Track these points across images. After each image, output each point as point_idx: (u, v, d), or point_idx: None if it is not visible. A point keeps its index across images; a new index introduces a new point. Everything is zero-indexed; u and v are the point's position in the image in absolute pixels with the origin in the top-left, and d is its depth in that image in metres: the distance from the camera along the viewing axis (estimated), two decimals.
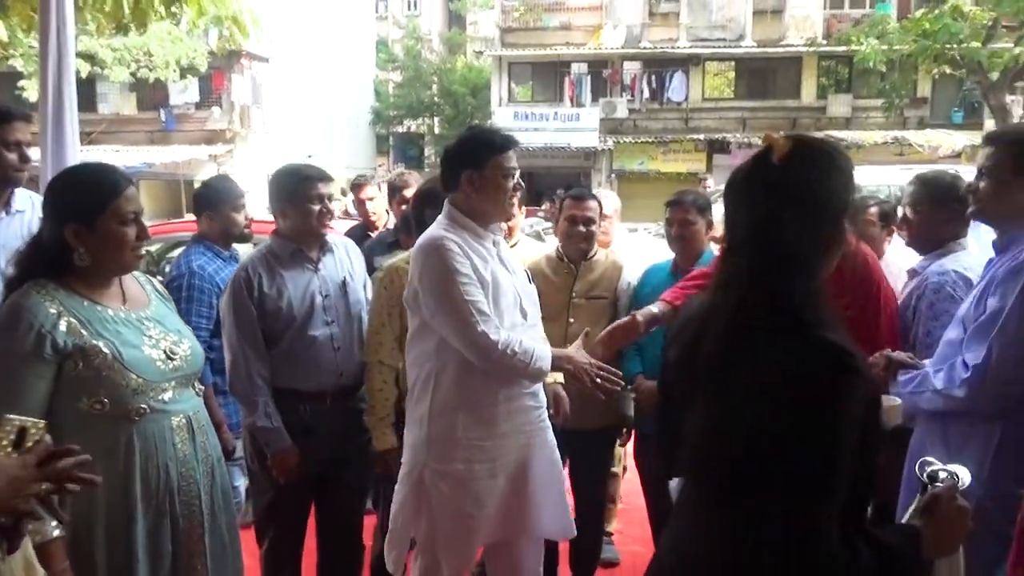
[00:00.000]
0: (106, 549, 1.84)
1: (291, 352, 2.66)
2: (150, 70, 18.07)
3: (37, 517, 1.41)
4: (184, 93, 20.22)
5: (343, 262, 2.84)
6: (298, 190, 2.67)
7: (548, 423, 2.41)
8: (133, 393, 1.84)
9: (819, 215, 1.29)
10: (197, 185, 3.54)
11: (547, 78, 22.62)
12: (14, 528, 1.39)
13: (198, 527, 1.99)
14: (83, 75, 15.86)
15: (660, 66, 21.62)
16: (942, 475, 1.42)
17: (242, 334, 2.63)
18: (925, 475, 1.42)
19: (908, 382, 2.06)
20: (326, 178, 2.75)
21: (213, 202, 3.25)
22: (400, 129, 30.35)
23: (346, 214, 11.42)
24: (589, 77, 21.79)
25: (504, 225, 2.46)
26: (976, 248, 2.52)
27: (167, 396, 1.92)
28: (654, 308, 2.51)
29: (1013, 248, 1.95)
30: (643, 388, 2.91)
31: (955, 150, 17.94)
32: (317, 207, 2.68)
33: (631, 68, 21.68)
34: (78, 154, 3.08)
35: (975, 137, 18.50)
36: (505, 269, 2.30)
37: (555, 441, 2.42)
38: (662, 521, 2.45)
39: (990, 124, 16.59)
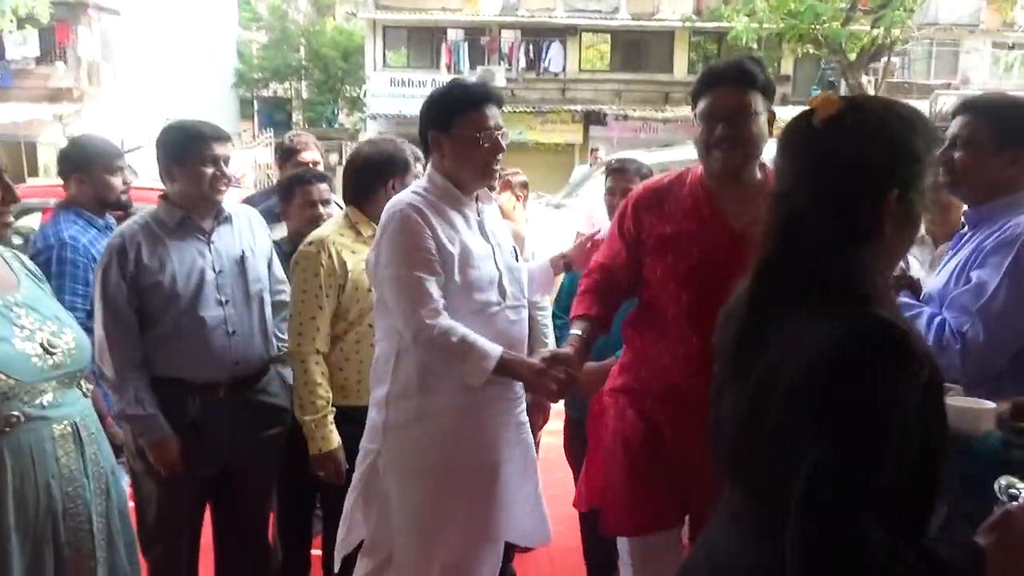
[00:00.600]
0: None
1: (175, 335, 2.35)
2: None
3: None
4: (23, 46, 18.38)
5: (242, 234, 2.52)
6: (189, 149, 2.36)
7: (523, 420, 2.19)
8: (2, 398, 1.52)
9: (858, 182, 1.16)
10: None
11: (423, 44, 22.09)
12: None
13: (89, 557, 1.67)
14: None
15: (537, 36, 21.56)
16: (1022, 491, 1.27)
17: (109, 310, 2.31)
18: (1002, 490, 1.28)
19: (907, 308, 1.94)
20: (223, 137, 2.43)
21: (84, 162, 2.83)
22: (266, 93, 28.97)
23: None
24: (466, 44, 21.45)
25: (495, 192, 2.23)
26: None
27: (46, 400, 1.61)
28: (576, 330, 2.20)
29: (988, 222, 1.89)
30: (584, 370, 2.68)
31: None
32: (211, 170, 2.37)
33: (509, 37, 21.51)
34: None
35: None
36: (485, 242, 2.07)
37: (531, 441, 2.22)
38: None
39: None
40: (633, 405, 2.11)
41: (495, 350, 1.94)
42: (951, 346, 1.79)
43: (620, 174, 2.86)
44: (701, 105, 1.96)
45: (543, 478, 2.27)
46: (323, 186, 2.92)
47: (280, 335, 2.61)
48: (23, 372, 1.56)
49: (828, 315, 1.12)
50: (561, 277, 2.65)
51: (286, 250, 2.82)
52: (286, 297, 2.61)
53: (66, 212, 2.79)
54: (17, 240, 5.70)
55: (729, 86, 1.93)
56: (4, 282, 1.67)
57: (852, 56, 15.91)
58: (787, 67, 21.45)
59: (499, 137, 2.04)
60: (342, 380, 2.43)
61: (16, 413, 1.55)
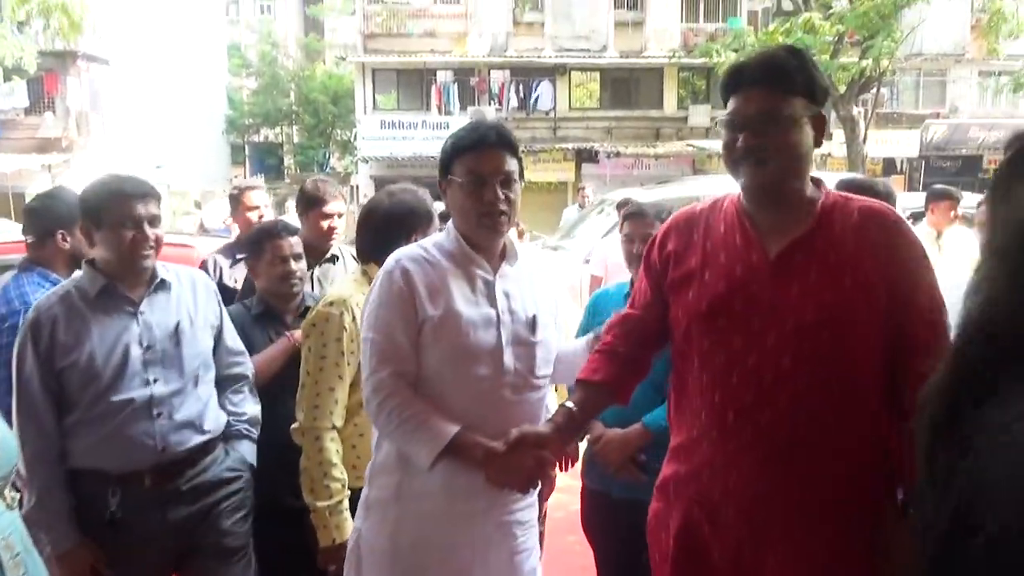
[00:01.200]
0: None
1: (91, 420, 2.10)
2: None
3: None
4: (11, 96, 18.40)
5: (181, 302, 2.26)
6: (107, 209, 2.12)
7: (524, 520, 1.90)
8: None
9: None
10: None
11: (413, 86, 22.15)
12: None
13: None
14: None
15: (527, 75, 21.64)
16: None
17: (21, 396, 2.08)
18: None
19: None
20: (149, 194, 2.18)
21: (71, 218, 2.56)
22: (257, 138, 29.03)
23: (202, 229, 10.58)
24: (456, 85, 21.51)
25: (518, 249, 1.94)
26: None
27: None
28: (569, 402, 1.90)
29: None
30: (604, 439, 2.37)
31: None
32: (131, 232, 2.12)
33: (498, 77, 21.59)
34: None
35: (824, 146, 19.62)
36: (489, 307, 1.82)
37: (534, 545, 1.94)
38: None
39: (838, 133, 17.59)
40: (678, 507, 1.76)
41: (447, 430, 1.71)
42: None
43: (639, 219, 2.64)
44: (727, 111, 1.68)
45: (550, 540, 2.01)
46: (294, 240, 2.67)
47: (234, 408, 2.36)
48: None
49: None
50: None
51: (255, 313, 2.61)
52: (243, 370, 2.39)
53: (29, 274, 2.57)
54: None
55: (757, 87, 1.62)
56: None
57: (842, 88, 15.95)
58: None
59: (496, 183, 1.79)
60: (354, 459, 2.19)
61: None
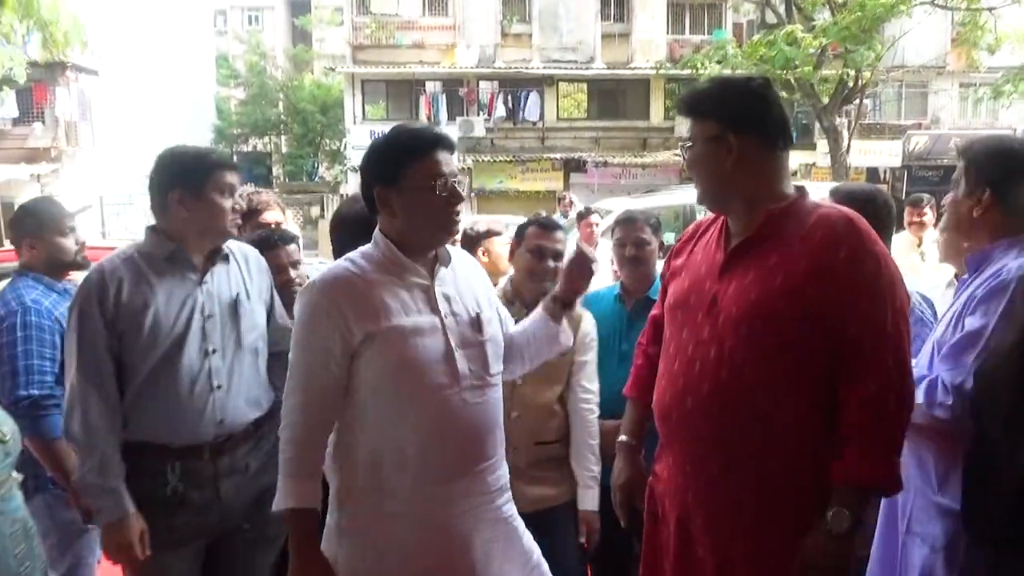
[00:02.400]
0: None
1: (151, 389, 2.07)
2: None
3: None
4: (0, 107, 18.36)
5: (237, 277, 2.26)
6: (204, 176, 2.14)
7: (506, 515, 1.89)
8: None
9: None
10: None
11: (402, 97, 22.27)
12: None
13: None
14: None
15: (515, 86, 21.80)
16: None
17: (85, 356, 2.03)
18: None
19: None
20: (234, 166, 2.25)
21: (35, 227, 2.67)
22: (245, 148, 29.04)
23: None
24: (445, 96, 21.66)
25: (452, 248, 1.91)
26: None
27: (3, 493, 1.60)
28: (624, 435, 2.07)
29: (985, 266, 1.82)
30: (603, 429, 2.49)
31: (792, 168, 19.15)
32: (229, 201, 2.16)
33: (487, 87, 21.75)
34: None
35: (808, 156, 19.90)
36: (431, 314, 1.79)
37: (520, 534, 1.92)
38: None
39: (822, 144, 17.87)
40: (652, 486, 1.94)
41: (295, 497, 1.70)
42: (944, 403, 1.70)
43: (630, 224, 2.78)
44: None
45: None
46: (291, 247, 2.63)
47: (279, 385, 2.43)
48: None
49: None
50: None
51: None
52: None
53: (24, 278, 2.65)
54: None
55: (687, 115, 1.81)
56: None
57: (825, 99, 16.20)
58: None
59: (455, 184, 1.79)
60: None
61: None
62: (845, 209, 1.75)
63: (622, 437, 2.06)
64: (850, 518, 1.56)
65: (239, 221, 2.29)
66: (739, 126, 1.72)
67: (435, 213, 1.78)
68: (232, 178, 2.20)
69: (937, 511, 1.72)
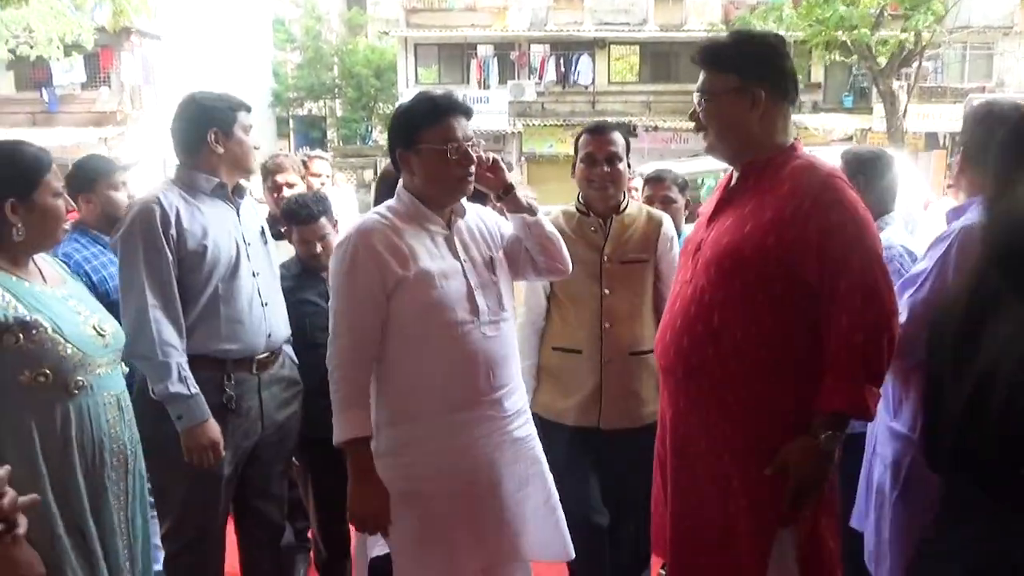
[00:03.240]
0: (62, 517, 1.83)
1: (215, 308, 2.28)
2: (31, 47, 16.87)
3: None
4: (69, 72, 18.99)
5: (253, 209, 2.54)
6: (232, 115, 2.38)
7: (522, 434, 2.11)
8: (74, 366, 1.84)
9: None
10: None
11: (454, 60, 22.40)
12: None
13: (129, 499, 1.99)
14: None
15: (566, 49, 21.74)
16: None
17: (153, 283, 2.19)
18: None
19: None
20: (249, 108, 2.45)
21: (87, 182, 2.83)
22: (301, 112, 29.52)
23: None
24: (496, 59, 21.72)
25: (466, 203, 2.11)
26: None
27: (101, 372, 1.91)
28: None
29: (952, 222, 1.93)
30: None
31: (847, 133, 18.82)
32: (249, 138, 2.41)
33: (538, 51, 21.72)
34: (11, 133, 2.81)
35: (864, 121, 19.50)
36: (453, 259, 2.01)
37: (536, 453, 2.14)
38: None
39: (879, 108, 17.48)
40: None
41: (352, 428, 1.91)
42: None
43: (658, 183, 2.99)
44: None
45: None
46: (317, 224, 2.76)
47: None
48: (88, 347, 1.87)
49: None
50: None
51: (295, 272, 2.80)
52: None
53: (72, 234, 2.81)
54: None
55: (702, 67, 1.89)
56: (55, 279, 1.97)
57: (882, 62, 15.86)
58: (817, 74, 21.37)
59: (469, 148, 1.96)
60: None
61: (82, 379, 1.86)
62: (820, 162, 1.84)
63: None
64: (831, 437, 1.72)
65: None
66: (760, 78, 1.82)
67: (447, 174, 1.97)
68: (249, 119, 2.44)
69: (891, 434, 1.93)
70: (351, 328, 1.96)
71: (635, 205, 2.66)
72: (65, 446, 1.83)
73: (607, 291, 2.49)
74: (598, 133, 2.54)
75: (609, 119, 18.59)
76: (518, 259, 2.18)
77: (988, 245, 1.39)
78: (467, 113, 2.02)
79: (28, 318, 1.79)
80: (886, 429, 1.93)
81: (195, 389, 2.22)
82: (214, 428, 2.25)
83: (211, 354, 2.29)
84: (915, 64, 16.38)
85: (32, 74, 19.16)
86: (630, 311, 2.53)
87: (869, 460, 2.03)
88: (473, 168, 1.99)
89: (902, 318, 1.78)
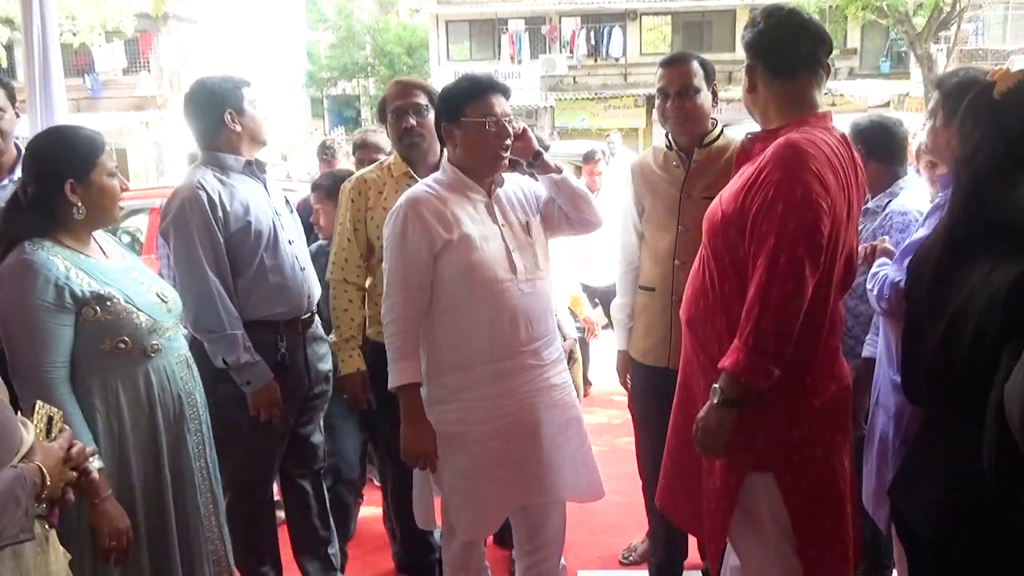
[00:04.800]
0: (141, 474, 1.98)
1: (264, 275, 2.47)
2: (73, 34, 17.31)
3: (70, 504, 1.51)
4: (111, 58, 19.46)
5: (274, 183, 2.70)
6: (239, 93, 2.50)
7: (559, 381, 2.29)
8: (148, 332, 1.99)
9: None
10: (133, 152, 3.21)
11: (485, 36, 22.43)
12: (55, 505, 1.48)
13: (205, 448, 2.17)
14: (2, 41, 15.17)
15: (598, 21, 21.65)
16: None
17: (211, 261, 2.39)
18: None
19: (871, 277, 2.10)
20: (247, 83, 2.57)
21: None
22: (335, 91, 29.75)
23: (289, 180, 11.22)
24: (527, 34, 21.70)
25: (505, 174, 2.28)
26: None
27: (169, 335, 2.08)
28: None
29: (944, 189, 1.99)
30: None
31: (884, 100, 18.54)
32: (258, 111, 2.54)
33: (569, 24, 21.65)
34: (66, 119, 3.06)
35: (902, 86, 19.19)
36: (493, 223, 2.20)
37: (572, 399, 2.33)
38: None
39: (916, 73, 17.21)
40: None
41: (404, 377, 2.11)
42: (886, 296, 1.95)
43: (677, 65, 2.70)
44: None
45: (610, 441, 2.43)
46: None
47: None
48: (156, 313, 2.02)
49: (1010, 257, 1.39)
50: None
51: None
52: None
53: None
54: (126, 239, 6.21)
55: None
56: (115, 254, 2.09)
57: (920, 24, 15.60)
58: (853, 40, 21.02)
59: (506, 123, 2.15)
60: (377, 313, 2.53)
61: (156, 343, 2.01)
62: (796, 138, 1.86)
63: None
64: (719, 393, 1.82)
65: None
66: (761, 56, 1.96)
67: (486, 146, 2.16)
68: (253, 93, 2.55)
69: (893, 386, 2.00)
70: (402, 287, 2.15)
71: (728, 136, 2.54)
72: (150, 404, 1.99)
73: (683, 228, 2.49)
74: (668, 65, 2.52)
75: (641, 91, 18.25)
76: (552, 217, 2.35)
77: (954, 206, 1.55)
78: (505, 92, 2.21)
79: (102, 291, 1.91)
80: (889, 381, 2.02)
81: (258, 356, 2.43)
82: (276, 387, 2.47)
83: (265, 318, 2.48)
84: (954, 26, 16.08)
85: (75, 61, 19.62)
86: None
87: (872, 411, 2.13)
88: (509, 142, 2.17)
89: (902, 279, 1.88)
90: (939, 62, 15.87)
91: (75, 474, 1.51)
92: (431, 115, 2.52)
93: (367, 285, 2.70)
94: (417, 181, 2.40)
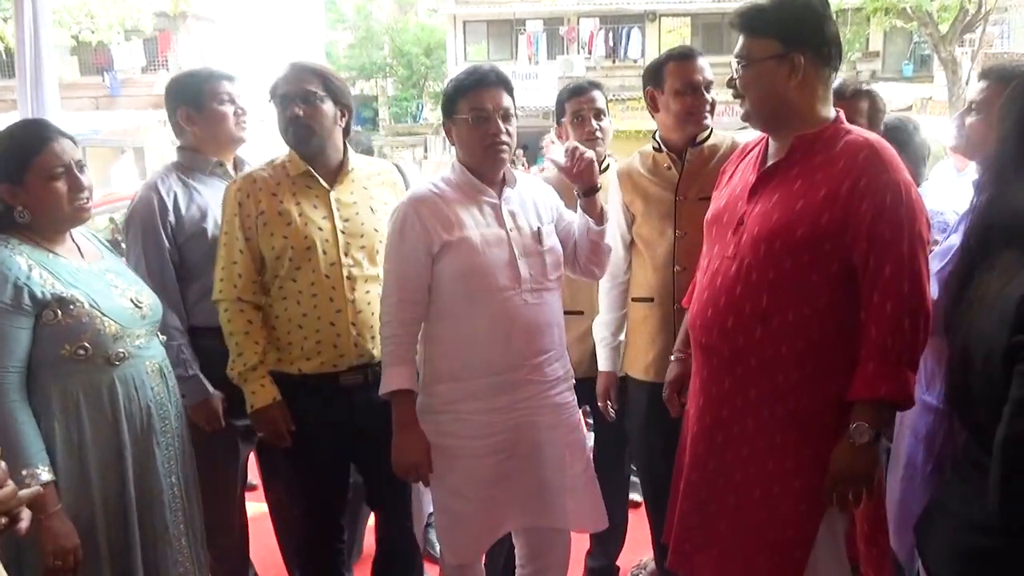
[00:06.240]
0: (102, 489, 1.87)
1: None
2: (92, 32, 17.40)
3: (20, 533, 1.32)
4: (129, 56, 19.55)
5: None
6: (204, 91, 2.38)
7: (563, 402, 2.16)
8: (113, 339, 1.88)
9: None
10: (151, 151, 3.25)
11: (502, 37, 22.37)
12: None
13: (176, 462, 2.05)
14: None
15: (616, 22, 21.53)
16: None
17: (152, 267, 2.29)
18: None
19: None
20: (232, 78, 2.46)
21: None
22: (353, 91, 29.69)
23: None
24: (545, 35, 21.62)
25: (516, 175, 2.16)
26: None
27: (140, 342, 1.96)
28: None
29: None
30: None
31: (907, 103, 18.26)
32: (231, 108, 2.42)
33: (587, 25, 21.55)
34: (58, 117, 2.98)
35: (925, 90, 18.90)
36: (499, 227, 2.07)
37: (576, 421, 2.19)
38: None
39: (940, 76, 16.94)
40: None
41: (397, 374, 2.01)
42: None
43: (687, 60, 2.59)
44: None
45: None
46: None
47: None
48: (124, 319, 1.91)
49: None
50: None
51: None
52: None
53: None
54: None
55: (740, 32, 1.82)
56: (93, 254, 2.00)
57: (943, 28, 15.35)
58: (876, 42, 20.76)
59: (499, 118, 2.01)
60: (275, 339, 2.29)
61: (122, 350, 1.90)
62: (872, 137, 1.76)
63: (674, 351, 2.20)
64: (869, 431, 1.65)
65: (244, 124, 2.49)
66: (802, 44, 1.73)
67: (474, 141, 2.04)
68: (229, 86, 2.40)
69: (923, 407, 1.86)
70: (398, 287, 2.05)
71: (720, 134, 2.47)
72: (114, 414, 1.88)
73: (681, 232, 2.38)
74: (689, 58, 2.41)
75: None
76: (563, 250, 2.20)
77: (976, 212, 1.44)
78: (500, 84, 2.06)
79: (65, 294, 1.81)
80: (919, 402, 1.85)
81: (193, 371, 2.32)
82: (215, 402, 2.34)
83: (217, 326, 2.31)
84: (979, 29, 15.79)
85: (94, 59, 19.76)
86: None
87: (896, 432, 1.98)
88: (503, 137, 2.03)
89: (933, 292, 1.74)
90: (963, 65, 15.59)
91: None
92: (326, 105, 2.21)
93: (263, 301, 2.27)
94: (318, 181, 2.23)
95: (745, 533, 1.85)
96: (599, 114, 2.71)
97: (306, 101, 2.20)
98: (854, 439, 1.67)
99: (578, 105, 2.70)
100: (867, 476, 1.70)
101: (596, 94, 2.73)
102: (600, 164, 2.64)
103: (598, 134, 2.69)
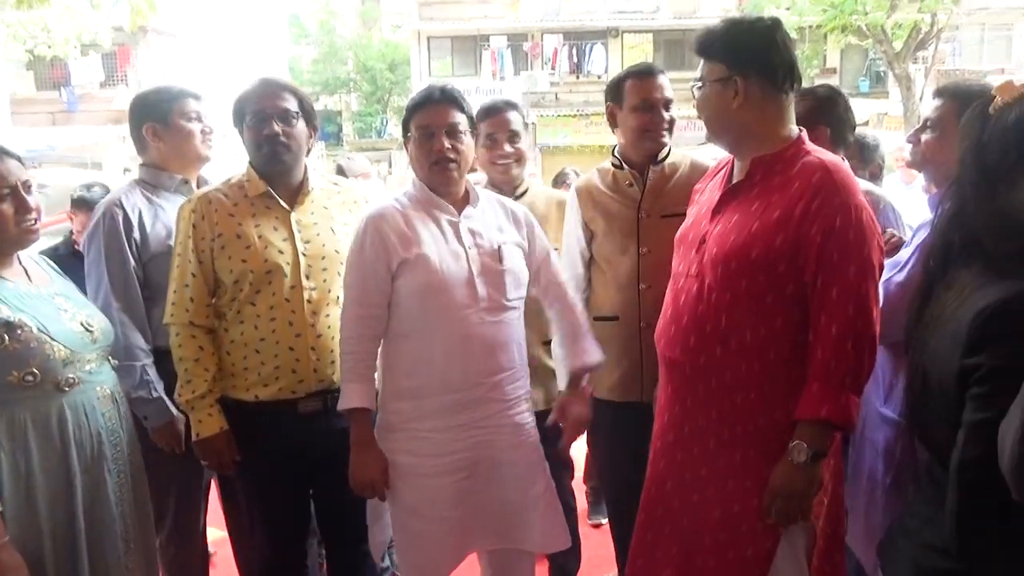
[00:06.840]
0: (51, 519, 1.81)
1: None
2: (48, 47, 17.07)
3: None
4: (87, 71, 19.23)
5: None
6: (172, 107, 2.37)
7: (523, 422, 2.14)
8: (63, 364, 1.82)
9: (994, 173, 1.29)
10: (109, 167, 3.22)
11: (467, 53, 22.42)
12: None
13: (128, 490, 1.99)
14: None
15: (580, 39, 21.70)
16: None
17: (116, 284, 2.25)
18: None
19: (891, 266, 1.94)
20: (199, 96, 2.45)
21: None
22: (316, 107, 29.58)
23: None
24: (509, 50, 21.72)
25: (485, 192, 2.16)
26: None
27: (91, 367, 1.90)
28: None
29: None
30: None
31: (863, 118, 18.66)
32: (199, 126, 2.42)
33: (551, 41, 21.70)
34: (7, 133, 2.88)
35: (881, 105, 19.32)
36: (458, 244, 2.05)
37: (535, 440, 2.16)
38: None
39: (895, 92, 17.33)
40: None
41: (354, 392, 2.01)
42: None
43: (647, 78, 2.55)
44: None
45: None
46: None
47: None
48: (74, 344, 1.86)
49: (981, 288, 1.26)
50: None
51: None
52: None
53: None
54: None
55: (699, 56, 1.86)
56: (42, 278, 1.96)
57: (898, 46, 15.71)
58: (833, 59, 21.19)
59: (443, 134, 2.01)
60: (229, 365, 2.24)
61: (72, 376, 1.84)
62: (828, 158, 1.76)
63: None
64: (807, 450, 1.66)
65: (210, 142, 2.48)
66: (745, 68, 1.76)
67: (421, 158, 2.05)
68: (196, 104, 2.39)
69: (881, 420, 1.90)
70: (357, 303, 2.04)
71: (679, 153, 2.45)
72: (63, 442, 1.82)
73: (645, 249, 2.36)
74: (649, 75, 2.38)
75: None
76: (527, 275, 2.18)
77: (936, 230, 1.45)
78: (446, 101, 2.05)
79: (12, 319, 1.76)
80: (876, 414, 1.91)
81: (156, 393, 2.27)
82: (177, 425, 2.31)
83: None
84: (932, 47, 16.19)
85: (51, 74, 19.39)
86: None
87: (858, 445, 2.01)
88: (449, 154, 2.03)
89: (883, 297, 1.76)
90: (917, 82, 15.98)
91: None
92: (300, 124, 2.21)
93: (214, 324, 2.21)
94: (278, 202, 2.20)
95: (702, 554, 1.85)
96: (513, 136, 2.59)
97: (284, 119, 2.17)
98: (792, 457, 1.69)
99: (490, 128, 2.58)
100: (803, 494, 1.72)
101: (512, 115, 2.60)
102: (517, 188, 2.62)
103: (509, 159, 2.59)
